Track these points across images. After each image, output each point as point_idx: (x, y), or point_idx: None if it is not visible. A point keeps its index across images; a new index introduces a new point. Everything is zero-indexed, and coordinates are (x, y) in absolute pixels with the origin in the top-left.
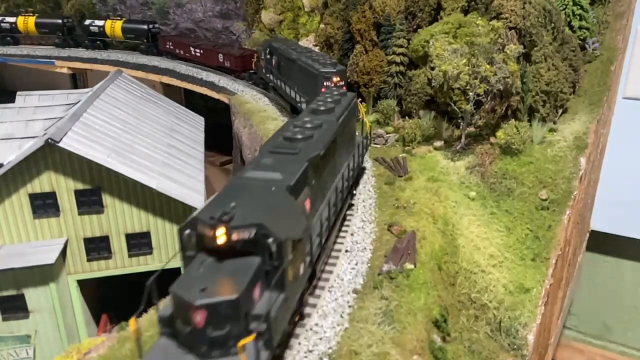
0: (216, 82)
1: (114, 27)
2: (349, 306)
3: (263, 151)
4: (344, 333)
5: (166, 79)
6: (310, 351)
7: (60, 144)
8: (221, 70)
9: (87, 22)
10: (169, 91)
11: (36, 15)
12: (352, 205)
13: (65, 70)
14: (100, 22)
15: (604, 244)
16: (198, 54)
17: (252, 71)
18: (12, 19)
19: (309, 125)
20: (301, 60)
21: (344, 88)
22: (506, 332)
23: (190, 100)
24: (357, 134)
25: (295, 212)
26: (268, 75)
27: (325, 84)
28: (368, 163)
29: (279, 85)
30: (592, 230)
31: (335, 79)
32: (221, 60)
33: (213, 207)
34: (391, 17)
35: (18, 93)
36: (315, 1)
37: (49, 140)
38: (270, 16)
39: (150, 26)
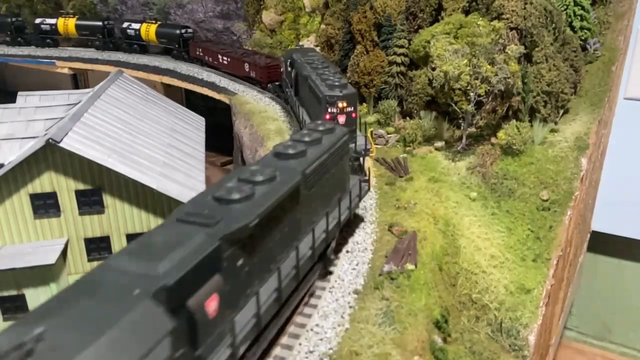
0: (217, 82)
1: (149, 30)
2: (350, 307)
3: (171, 217)
4: (344, 334)
5: (167, 79)
6: (311, 352)
7: (61, 144)
8: (248, 82)
9: (125, 24)
10: (169, 91)
11: (76, 17)
12: (330, 273)
13: (66, 71)
14: (136, 25)
15: (605, 244)
16: (225, 62)
17: (277, 83)
18: (52, 21)
19: (258, 178)
20: (311, 78)
21: (354, 115)
22: (507, 333)
23: (191, 101)
24: (350, 178)
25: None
26: (287, 90)
27: (329, 110)
28: (369, 163)
29: (295, 103)
30: (593, 231)
31: (341, 105)
32: (247, 70)
33: (18, 329)
34: (392, 17)
35: (19, 93)
36: (316, 1)
37: (50, 140)
38: (271, 17)
39: (183, 31)
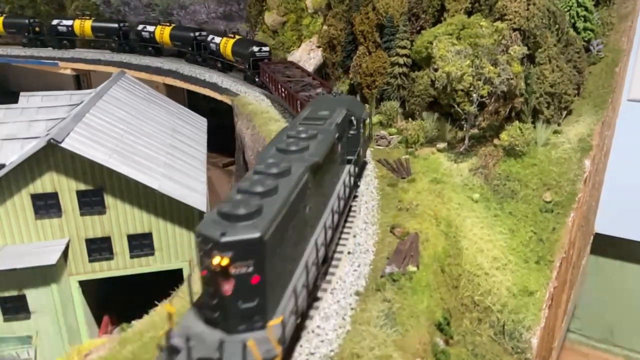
0: (219, 83)
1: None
2: (351, 308)
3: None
4: (346, 335)
5: (169, 80)
6: (312, 354)
7: (63, 145)
8: None
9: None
10: (171, 92)
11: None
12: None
13: (68, 72)
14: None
15: (608, 246)
16: (283, 95)
17: None
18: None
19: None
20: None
21: None
22: (510, 336)
23: (193, 102)
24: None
25: None
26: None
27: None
28: (371, 164)
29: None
30: (596, 233)
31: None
32: (299, 110)
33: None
34: (394, 18)
35: (21, 93)
36: (318, 3)
37: (52, 140)
38: (273, 18)
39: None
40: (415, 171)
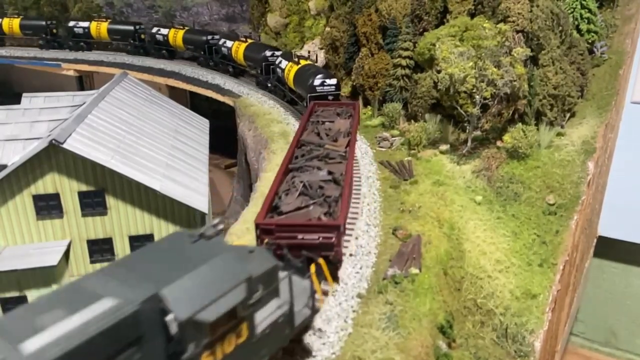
0: (221, 84)
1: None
2: (353, 311)
3: None
4: (347, 338)
5: (172, 82)
6: (314, 356)
7: (64, 145)
8: None
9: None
10: (174, 93)
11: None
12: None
13: (71, 73)
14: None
15: (611, 249)
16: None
17: None
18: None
19: None
20: None
21: None
22: (512, 339)
23: (195, 103)
24: None
25: None
26: None
27: None
28: (373, 166)
29: None
30: (599, 236)
31: None
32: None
33: None
34: (397, 20)
35: (24, 94)
36: (321, 4)
37: (53, 141)
38: (276, 19)
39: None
40: (418, 173)
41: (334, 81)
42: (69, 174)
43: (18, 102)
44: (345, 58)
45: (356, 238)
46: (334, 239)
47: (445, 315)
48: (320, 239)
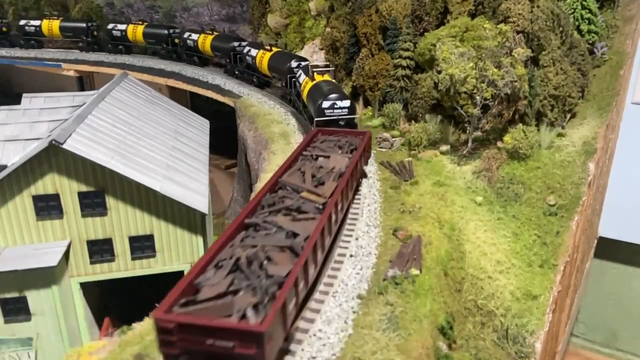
0: (222, 85)
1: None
2: (354, 312)
3: None
4: (348, 339)
5: (172, 82)
6: (314, 357)
7: (64, 146)
8: None
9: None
10: (174, 94)
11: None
12: None
13: (72, 73)
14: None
15: (612, 250)
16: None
17: None
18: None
19: None
20: None
21: None
22: (513, 340)
23: (196, 103)
24: None
25: None
26: None
27: None
28: (373, 167)
29: None
30: (600, 237)
31: None
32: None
33: None
34: (397, 20)
35: (24, 95)
36: (321, 5)
37: (53, 141)
38: (276, 20)
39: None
40: (418, 174)
41: (346, 103)
42: (69, 174)
43: (18, 102)
44: (346, 58)
45: (356, 239)
46: (254, 351)
47: (445, 316)
48: (235, 348)
